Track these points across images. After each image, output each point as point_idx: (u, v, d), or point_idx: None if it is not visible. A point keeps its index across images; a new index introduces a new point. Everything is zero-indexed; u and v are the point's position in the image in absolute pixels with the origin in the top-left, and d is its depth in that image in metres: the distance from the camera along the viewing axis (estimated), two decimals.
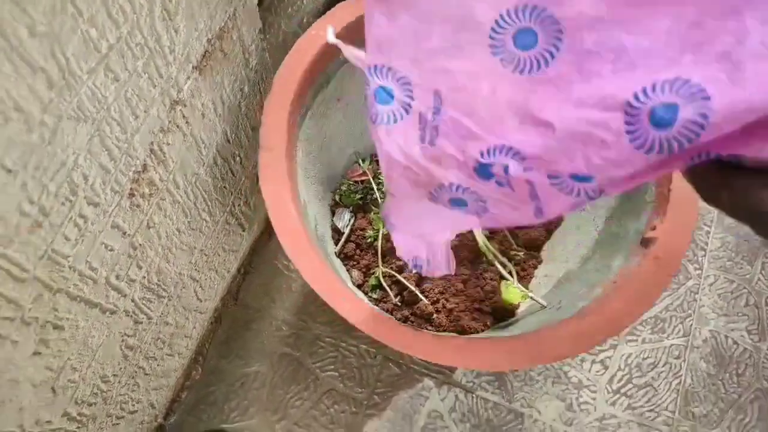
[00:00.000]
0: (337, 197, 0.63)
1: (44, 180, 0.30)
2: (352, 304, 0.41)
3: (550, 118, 0.28)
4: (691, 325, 0.73)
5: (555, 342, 0.42)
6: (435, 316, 0.53)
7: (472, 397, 0.68)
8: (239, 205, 0.60)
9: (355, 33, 0.51)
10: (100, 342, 0.43)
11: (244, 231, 0.66)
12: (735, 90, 0.24)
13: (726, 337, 0.72)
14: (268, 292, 0.73)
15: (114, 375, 0.47)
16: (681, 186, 0.46)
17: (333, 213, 0.63)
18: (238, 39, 0.45)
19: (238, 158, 0.54)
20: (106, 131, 0.33)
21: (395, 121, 0.31)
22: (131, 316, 0.46)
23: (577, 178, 0.28)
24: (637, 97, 0.25)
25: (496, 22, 0.27)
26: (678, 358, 0.71)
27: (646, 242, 0.45)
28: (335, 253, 0.58)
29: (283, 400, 0.68)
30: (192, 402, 0.68)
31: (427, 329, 0.53)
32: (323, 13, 0.83)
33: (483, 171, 0.31)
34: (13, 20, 0.24)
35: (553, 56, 0.27)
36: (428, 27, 0.29)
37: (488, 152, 0.30)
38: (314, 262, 0.42)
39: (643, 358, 0.71)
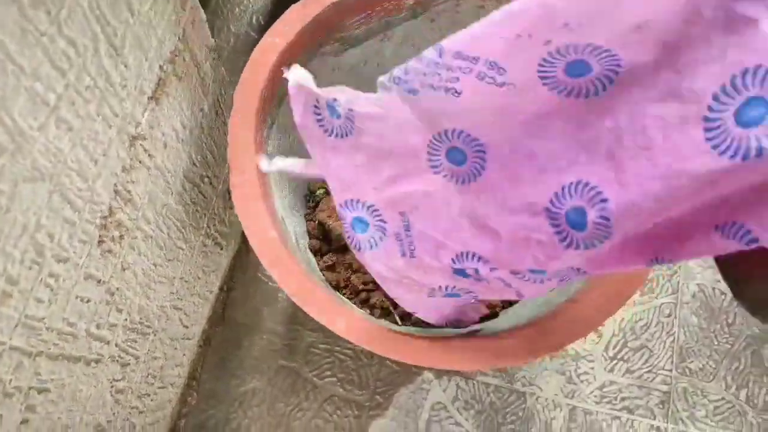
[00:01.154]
0: (311, 203, 0.62)
1: (8, 249, 0.28)
2: (348, 320, 0.40)
3: (495, 227, 0.31)
4: (678, 281, 0.74)
5: (557, 330, 0.41)
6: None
7: (474, 383, 0.68)
8: (214, 225, 0.58)
9: (309, 37, 0.49)
10: (89, 394, 0.41)
11: (222, 249, 0.64)
12: (623, 192, 0.26)
13: (713, 289, 0.73)
14: (255, 307, 0.71)
15: (108, 421, 0.45)
16: None
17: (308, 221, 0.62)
18: (191, 59, 0.43)
19: (206, 179, 0.52)
20: (66, 184, 0.31)
21: (376, 245, 0.35)
22: (117, 360, 0.44)
23: (534, 272, 0.32)
24: (552, 203, 0.29)
25: (429, 145, 0.32)
26: (669, 316, 0.72)
27: None
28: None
29: (284, 413, 0.67)
30: (191, 429, 0.66)
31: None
32: (272, 10, 0.80)
33: (460, 273, 0.35)
34: None
35: (482, 167, 0.31)
36: (378, 161, 0.33)
37: (457, 258, 0.34)
38: (303, 284, 0.41)
39: (636, 321, 0.71)
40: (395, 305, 0.53)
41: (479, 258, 0.34)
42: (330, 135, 0.33)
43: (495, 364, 0.41)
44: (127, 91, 0.35)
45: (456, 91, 0.30)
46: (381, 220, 0.35)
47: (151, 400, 0.55)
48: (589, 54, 0.25)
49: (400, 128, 0.32)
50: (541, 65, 0.26)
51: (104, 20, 0.31)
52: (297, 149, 0.56)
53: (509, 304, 0.54)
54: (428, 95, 0.30)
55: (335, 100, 0.33)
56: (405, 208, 0.34)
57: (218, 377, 0.68)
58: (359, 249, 0.36)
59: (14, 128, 0.26)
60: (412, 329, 0.48)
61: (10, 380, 0.31)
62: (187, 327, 0.60)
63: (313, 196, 0.62)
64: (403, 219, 0.35)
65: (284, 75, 0.34)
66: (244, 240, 0.71)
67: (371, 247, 0.36)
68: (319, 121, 0.34)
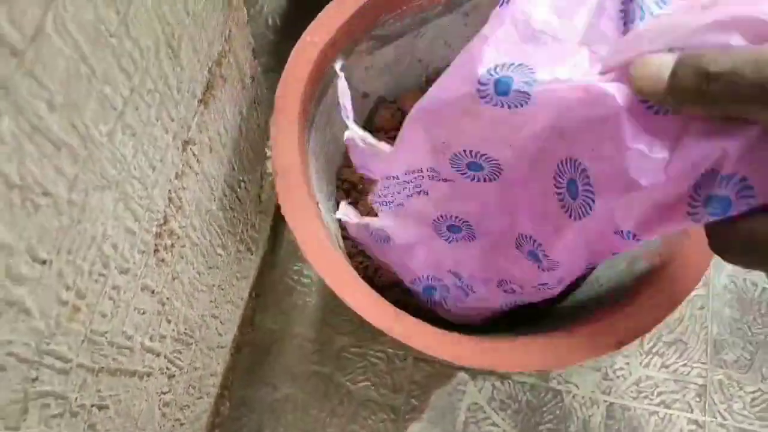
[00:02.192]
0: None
1: (78, 261, 0.26)
2: (405, 326, 0.39)
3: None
4: (709, 273, 0.73)
5: (613, 331, 0.40)
6: None
7: (509, 383, 0.67)
8: (247, 230, 0.57)
9: (345, 36, 0.48)
10: (141, 408, 0.40)
11: (252, 254, 0.63)
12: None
13: (744, 279, 0.72)
14: (284, 311, 0.70)
15: None
16: None
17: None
18: (234, 60, 0.42)
19: (243, 183, 0.51)
20: (129, 192, 0.30)
21: (448, 296, 0.51)
22: (165, 372, 0.43)
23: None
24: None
25: (434, 226, 0.46)
26: (702, 308, 0.71)
27: None
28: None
29: (318, 419, 0.66)
30: None
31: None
32: (288, 12, 0.79)
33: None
34: (32, 98, 0.21)
35: (473, 236, 0.45)
36: (410, 250, 0.48)
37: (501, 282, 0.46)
38: (358, 291, 0.40)
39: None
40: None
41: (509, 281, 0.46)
42: (378, 242, 0.47)
43: (556, 364, 0.40)
44: (182, 95, 0.34)
45: (426, 192, 0.43)
46: (439, 281, 0.49)
47: (191, 411, 0.53)
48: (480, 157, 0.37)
49: (406, 226, 0.45)
50: (452, 163, 0.39)
51: (165, 20, 0.30)
52: (332, 147, 0.55)
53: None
54: (410, 201, 0.43)
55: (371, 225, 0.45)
56: (449, 267, 0.48)
57: (249, 384, 0.67)
58: (444, 305, 0.51)
59: (86, 135, 0.25)
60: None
61: (76, 398, 0.30)
62: (221, 335, 0.58)
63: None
64: (452, 274, 0.48)
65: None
66: (270, 244, 0.70)
67: (445, 301, 0.50)
68: (370, 234, 0.46)
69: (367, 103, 0.57)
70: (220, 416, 0.65)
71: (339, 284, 0.39)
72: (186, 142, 0.36)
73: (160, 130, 0.32)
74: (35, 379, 0.25)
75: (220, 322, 0.56)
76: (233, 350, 0.66)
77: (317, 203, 0.45)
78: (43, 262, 0.24)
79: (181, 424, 0.51)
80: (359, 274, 0.42)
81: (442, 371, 0.67)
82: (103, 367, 0.32)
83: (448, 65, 0.33)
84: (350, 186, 0.59)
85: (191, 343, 0.48)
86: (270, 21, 0.83)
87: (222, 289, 0.54)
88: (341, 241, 0.54)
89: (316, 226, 0.41)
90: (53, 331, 0.26)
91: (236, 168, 0.48)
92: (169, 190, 0.35)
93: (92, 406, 0.32)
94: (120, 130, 0.28)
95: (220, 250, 0.49)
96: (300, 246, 0.40)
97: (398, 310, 0.40)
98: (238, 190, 0.50)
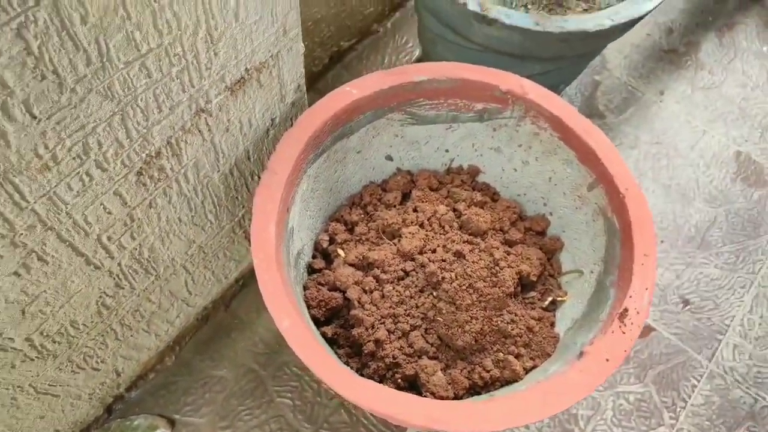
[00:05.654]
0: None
1: (62, 135, 0.37)
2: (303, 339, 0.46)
3: None
4: None
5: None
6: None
7: None
8: (249, 219, 0.66)
9: (382, 99, 0.57)
10: (78, 289, 0.49)
11: (251, 245, 0.72)
12: None
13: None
14: (258, 310, 0.78)
15: (84, 325, 0.53)
16: (635, 307, 0.48)
17: None
18: (277, 76, 0.52)
19: (255, 177, 0.61)
20: (129, 114, 0.40)
21: None
22: (114, 278, 0.52)
23: None
24: None
25: None
26: None
27: (580, 355, 0.47)
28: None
29: (234, 410, 0.71)
30: (156, 384, 0.73)
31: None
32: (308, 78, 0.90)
33: None
34: (71, 8, 0.32)
35: None
36: None
37: None
38: (275, 282, 0.47)
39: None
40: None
41: None
42: None
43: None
44: (209, 73, 0.44)
45: None
46: None
47: (131, 335, 0.62)
48: None
49: None
50: None
51: (210, 13, 0.40)
52: (338, 188, 0.63)
53: None
54: None
55: None
56: None
57: (199, 353, 0.75)
58: None
59: (106, 54, 0.35)
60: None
61: (21, 234, 0.39)
62: (190, 294, 0.67)
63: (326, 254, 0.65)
64: None
65: None
66: None
67: None
68: None
69: (388, 166, 0.66)
70: (162, 364, 0.73)
71: (261, 267, 0.47)
72: (201, 110, 0.47)
73: (177, 86, 0.43)
74: None
75: (192, 281, 0.65)
76: (200, 317, 0.74)
77: (293, 207, 0.53)
78: (34, 117, 0.34)
79: (117, 338, 0.60)
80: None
81: (357, 426, 0.71)
82: (54, 228, 0.42)
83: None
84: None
85: (152, 274, 0.57)
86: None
87: (203, 252, 0.63)
88: (306, 256, 0.61)
89: (272, 221, 0.49)
90: (21, 170, 0.36)
91: (251, 159, 0.58)
92: (171, 136, 0.46)
93: (32, 251, 0.41)
94: (137, 66, 0.38)
95: (210, 216, 0.59)
96: (252, 223, 0.48)
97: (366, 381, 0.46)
98: (249, 179, 0.60)
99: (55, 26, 0.32)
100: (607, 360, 0.46)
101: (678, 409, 0.75)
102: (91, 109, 0.37)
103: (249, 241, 0.70)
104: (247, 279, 0.78)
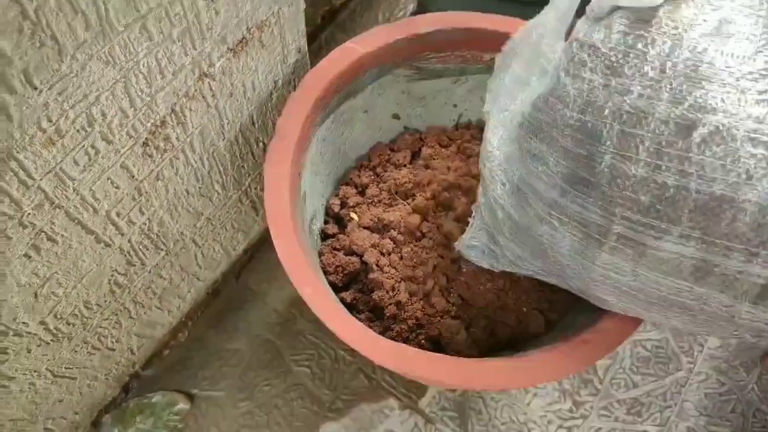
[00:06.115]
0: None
1: (65, 106, 0.35)
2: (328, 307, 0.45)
3: None
4: (669, 417, 0.72)
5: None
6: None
7: (432, 428, 0.69)
8: (255, 188, 0.65)
9: (388, 54, 0.55)
10: (90, 269, 0.47)
11: (257, 215, 0.70)
12: None
13: None
14: (268, 279, 0.77)
15: (97, 305, 0.51)
16: None
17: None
18: (279, 35, 0.50)
19: (261, 143, 0.59)
20: (132, 81, 0.38)
21: None
22: (125, 255, 0.50)
23: None
24: None
25: None
26: None
27: None
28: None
29: (252, 381, 0.71)
30: (172, 361, 0.72)
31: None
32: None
33: None
34: None
35: None
36: None
37: None
38: (294, 249, 0.45)
39: None
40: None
41: None
42: None
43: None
44: (211, 34, 0.42)
45: None
46: None
47: (145, 313, 0.61)
48: None
49: None
50: None
51: None
52: (346, 149, 0.62)
53: None
54: None
55: None
56: None
57: (212, 326, 0.74)
58: None
59: (105, 16, 0.33)
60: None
61: (29, 213, 0.38)
62: (201, 268, 0.66)
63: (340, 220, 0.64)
64: None
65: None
66: None
67: None
68: None
69: (395, 125, 0.64)
70: (176, 340, 0.72)
71: (278, 234, 0.46)
72: (204, 74, 0.44)
73: (179, 49, 0.40)
74: None
75: (202, 254, 0.64)
76: (210, 290, 0.73)
77: (303, 171, 0.51)
78: (35, 88, 0.32)
79: (130, 317, 0.58)
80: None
81: (377, 390, 0.71)
82: (62, 206, 0.40)
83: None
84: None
85: (162, 249, 0.55)
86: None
87: (212, 224, 0.61)
88: (318, 220, 0.60)
89: (286, 186, 0.48)
90: (25, 146, 0.34)
91: (255, 125, 0.56)
92: (174, 103, 0.43)
93: (41, 231, 0.40)
94: (138, 29, 0.36)
95: (218, 187, 0.57)
96: (265, 190, 0.47)
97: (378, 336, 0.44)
98: (254, 146, 0.58)
99: None
100: None
101: (695, 353, 0.75)
102: (93, 77, 0.35)
103: (255, 211, 0.69)
104: (255, 250, 0.77)
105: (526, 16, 0.57)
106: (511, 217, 0.42)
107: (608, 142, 0.34)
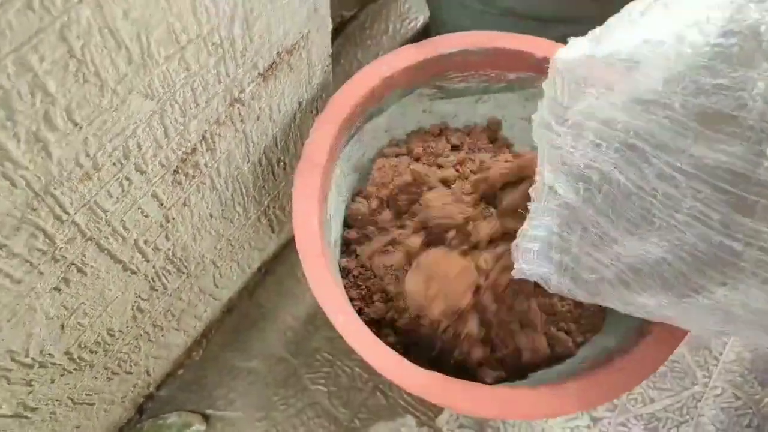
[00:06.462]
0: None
1: (103, 140, 0.34)
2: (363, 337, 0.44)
3: None
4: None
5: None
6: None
7: None
8: (274, 208, 0.64)
9: (412, 74, 0.55)
10: (115, 297, 0.46)
11: (273, 233, 0.69)
12: None
13: None
14: (283, 297, 0.76)
15: (120, 331, 0.50)
16: None
17: None
18: (306, 57, 0.49)
19: (282, 164, 0.58)
20: (168, 111, 0.37)
21: None
22: (149, 281, 0.49)
23: None
24: None
25: None
26: None
27: (641, 333, 0.46)
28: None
29: (269, 400, 0.70)
30: (186, 380, 0.71)
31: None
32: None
33: None
34: (113, 3, 0.28)
35: None
36: None
37: None
38: (325, 278, 0.45)
39: None
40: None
41: None
42: None
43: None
44: (244, 60, 0.41)
45: None
46: None
47: (162, 335, 0.60)
48: None
49: None
50: None
51: None
52: (366, 167, 0.61)
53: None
54: None
55: None
56: None
57: (226, 345, 0.73)
58: None
59: (147, 50, 0.32)
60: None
61: (62, 248, 0.37)
62: (218, 287, 0.65)
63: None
64: None
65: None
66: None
67: None
68: None
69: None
70: (190, 359, 0.71)
71: (311, 269, 0.45)
72: (235, 100, 0.44)
73: (213, 78, 0.39)
74: (34, 209, 0.33)
75: (220, 275, 0.63)
76: (225, 309, 0.72)
77: (328, 199, 0.51)
78: (76, 124, 0.31)
79: (149, 340, 0.57)
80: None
81: (395, 408, 0.70)
82: (93, 238, 0.39)
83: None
84: None
85: (183, 273, 0.54)
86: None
87: (231, 245, 0.60)
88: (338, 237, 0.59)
89: (315, 215, 0.47)
90: (62, 182, 0.33)
91: (279, 146, 0.55)
92: (206, 130, 0.43)
93: (72, 264, 0.39)
94: (177, 60, 0.35)
95: (239, 209, 0.56)
96: (293, 220, 0.46)
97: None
98: (275, 166, 0.57)
99: (98, 24, 0.28)
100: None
101: (710, 367, 0.75)
102: (131, 110, 0.34)
103: (272, 229, 0.68)
104: (269, 267, 0.76)
105: (546, 36, 0.57)
106: (613, 183, 0.33)
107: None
